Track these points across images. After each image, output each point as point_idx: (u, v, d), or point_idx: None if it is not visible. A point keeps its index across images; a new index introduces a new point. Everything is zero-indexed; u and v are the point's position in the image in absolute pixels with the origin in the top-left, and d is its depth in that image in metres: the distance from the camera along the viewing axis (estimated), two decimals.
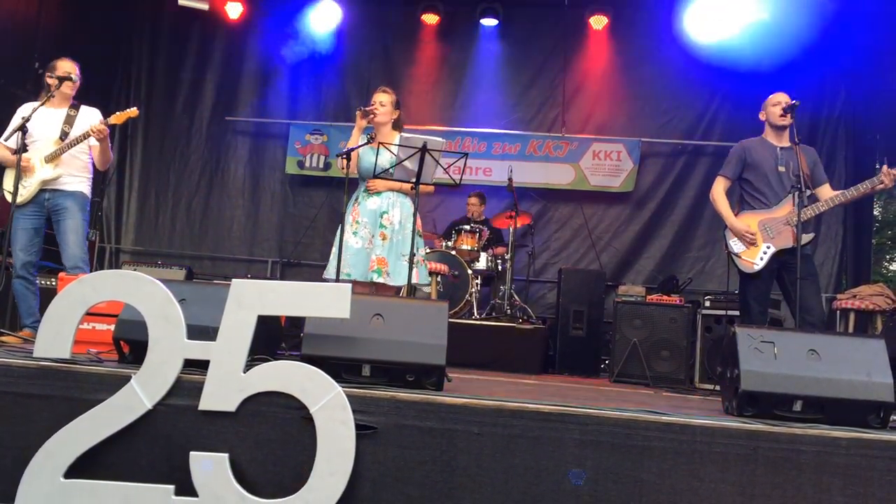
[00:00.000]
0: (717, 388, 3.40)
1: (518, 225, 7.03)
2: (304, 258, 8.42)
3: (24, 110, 4.51)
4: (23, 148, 4.45)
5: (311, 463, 2.41)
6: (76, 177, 4.54)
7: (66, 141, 4.45)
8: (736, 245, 4.39)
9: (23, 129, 4.27)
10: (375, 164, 4.25)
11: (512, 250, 6.88)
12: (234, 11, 8.32)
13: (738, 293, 4.58)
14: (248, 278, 3.65)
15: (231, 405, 2.49)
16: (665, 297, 5.89)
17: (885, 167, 4.19)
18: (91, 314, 2.97)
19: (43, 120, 4.50)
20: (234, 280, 2.64)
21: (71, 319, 2.64)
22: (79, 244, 4.44)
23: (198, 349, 2.55)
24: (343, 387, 2.48)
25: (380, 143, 4.33)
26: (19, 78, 6.95)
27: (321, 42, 8.51)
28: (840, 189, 4.43)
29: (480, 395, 2.62)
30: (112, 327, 2.91)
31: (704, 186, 7.46)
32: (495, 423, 2.49)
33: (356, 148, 4.40)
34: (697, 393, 4.87)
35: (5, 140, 4.52)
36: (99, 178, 4.78)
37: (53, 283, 5.10)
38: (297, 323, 4.38)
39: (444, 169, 4.27)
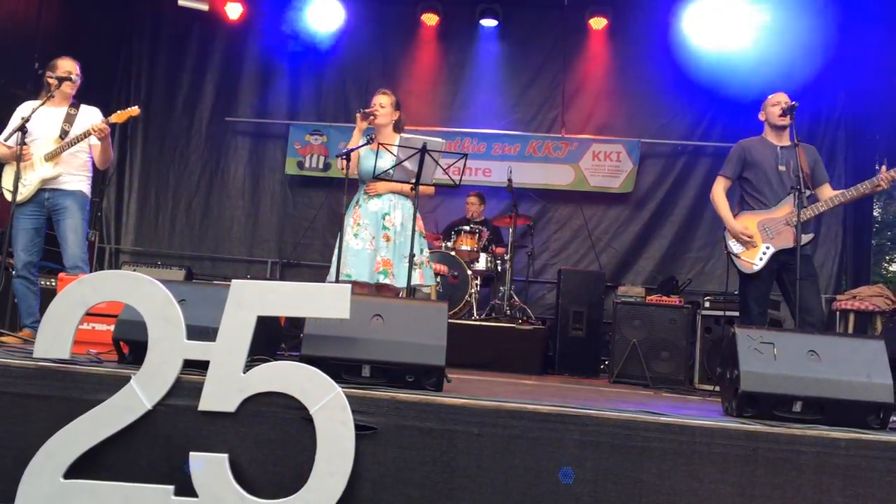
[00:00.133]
0: (717, 388, 3.40)
1: (517, 225, 7.03)
2: (303, 259, 8.41)
3: (23, 109, 4.51)
4: (22, 147, 4.45)
5: (311, 463, 2.41)
6: (76, 176, 4.54)
7: (66, 139, 4.44)
8: (735, 245, 4.39)
9: (22, 129, 4.26)
10: (375, 167, 4.25)
11: (511, 251, 6.88)
12: (233, 12, 8.33)
13: (738, 294, 4.58)
14: (247, 279, 3.66)
15: (231, 406, 2.49)
16: (665, 298, 5.89)
17: (883, 169, 4.19)
18: (91, 314, 2.97)
19: (43, 119, 4.49)
20: (233, 281, 2.64)
21: (71, 320, 2.64)
22: (78, 244, 4.44)
23: (197, 350, 2.55)
24: (343, 387, 2.49)
25: (379, 143, 4.33)
26: (19, 78, 6.94)
27: (321, 42, 8.51)
28: (840, 189, 4.43)
29: (480, 396, 2.63)
30: (112, 328, 2.91)
31: (704, 187, 7.47)
32: (495, 424, 2.49)
33: (356, 149, 4.40)
34: (697, 394, 4.87)
35: (5, 139, 4.51)
36: (99, 178, 4.78)
37: (53, 284, 5.10)
38: (296, 323, 4.38)
39: (444, 170, 4.27)
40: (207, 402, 2.49)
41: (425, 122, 8.11)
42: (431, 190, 4.56)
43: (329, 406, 2.45)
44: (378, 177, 4.29)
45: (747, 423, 2.53)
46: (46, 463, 2.42)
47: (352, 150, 4.35)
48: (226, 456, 2.44)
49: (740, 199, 4.55)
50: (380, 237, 4.38)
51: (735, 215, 4.46)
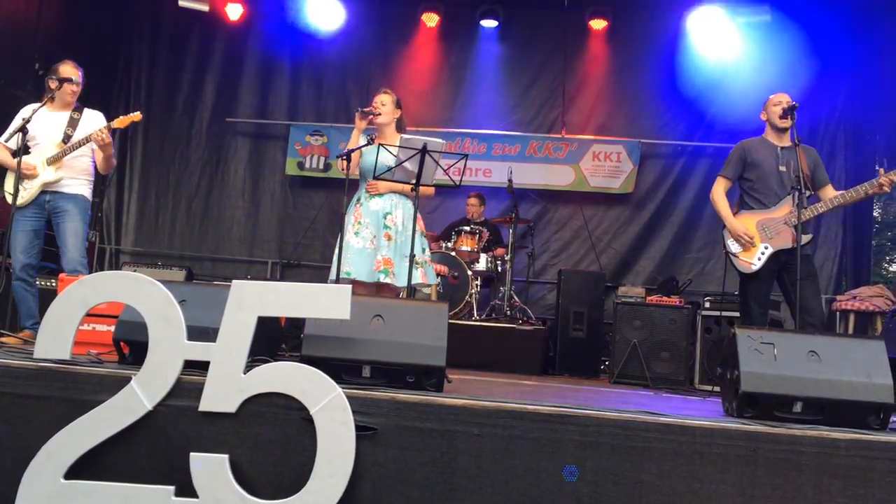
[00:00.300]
0: (716, 389, 3.40)
1: (518, 226, 7.03)
2: (303, 259, 8.42)
3: (25, 112, 4.51)
4: (24, 150, 4.44)
5: (312, 464, 2.41)
6: (77, 179, 4.53)
7: (69, 144, 4.44)
8: (734, 245, 4.39)
9: (22, 130, 4.26)
10: (376, 164, 4.25)
11: (512, 251, 6.88)
12: (234, 13, 8.33)
13: (738, 294, 4.58)
14: (248, 279, 3.66)
15: (231, 406, 2.49)
16: (665, 299, 5.89)
17: (882, 171, 4.19)
18: (91, 315, 2.97)
19: (46, 122, 4.49)
20: (234, 281, 2.64)
21: (71, 320, 2.64)
22: (78, 247, 4.43)
23: (198, 350, 2.55)
24: (343, 388, 2.49)
25: (380, 144, 4.33)
26: (19, 79, 6.95)
27: (321, 43, 8.52)
28: (840, 191, 4.43)
29: (480, 397, 2.63)
30: (112, 328, 2.91)
31: (704, 188, 7.46)
32: (495, 425, 2.49)
33: (356, 149, 4.40)
34: (697, 394, 4.87)
35: (5, 141, 4.51)
36: (99, 178, 4.77)
37: (53, 285, 5.09)
38: (296, 324, 4.38)
39: (444, 170, 4.27)
40: (208, 403, 2.49)
41: (426, 122, 8.11)
42: (431, 191, 4.56)
43: (329, 407, 2.45)
44: (379, 176, 4.29)
45: (747, 424, 2.53)
46: (47, 463, 2.42)
47: (352, 150, 4.35)
48: (226, 457, 2.44)
49: (740, 199, 4.55)
50: (381, 236, 4.38)
51: (735, 215, 4.46)
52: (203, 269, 8.47)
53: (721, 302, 5.51)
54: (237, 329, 2.56)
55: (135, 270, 6.46)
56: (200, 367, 2.54)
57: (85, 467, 2.45)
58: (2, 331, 4.08)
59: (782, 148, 4.44)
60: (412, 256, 4.23)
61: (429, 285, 4.72)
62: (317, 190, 8.57)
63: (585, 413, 2.50)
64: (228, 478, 2.42)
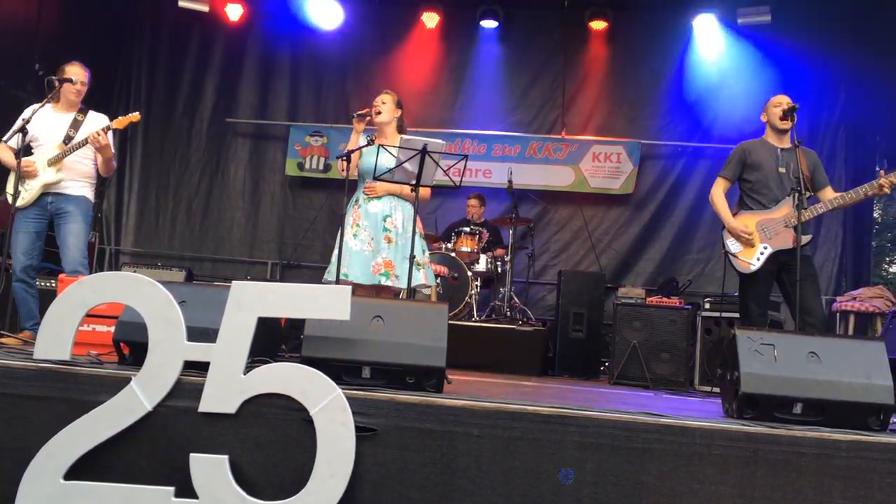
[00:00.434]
0: (717, 390, 3.40)
1: (518, 227, 7.03)
2: (303, 260, 8.42)
3: (26, 112, 4.50)
4: (27, 150, 4.44)
5: (312, 465, 2.40)
6: (79, 181, 4.52)
7: (69, 145, 4.43)
8: (733, 245, 4.40)
9: (23, 130, 4.26)
10: (376, 164, 4.24)
11: (512, 252, 6.88)
12: (234, 13, 8.34)
13: (738, 295, 4.58)
14: (247, 280, 3.66)
15: (231, 407, 2.49)
16: (665, 300, 5.89)
17: (882, 173, 4.19)
18: (91, 316, 2.97)
19: (49, 123, 4.48)
20: (234, 282, 2.64)
21: (71, 321, 2.64)
22: (79, 249, 4.42)
23: (198, 351, 2.55)
24: (343, 389, 2.48)
25: (380, 144, 4.33)
26: (20, 79, 6.95)
27: (321, 44, 8.52)
28: (840, 192, 4.43)
29: (480, 397, 2.63)
30: (112, 329, 2.91)
31: (704, 188, 7.46)
32: (495, 425, 2.49)
33: (356, 150, 4.40)
34: (697, 395, 4.87)
35: (7, 141, 4.50)
36: (99, 180, 4.76)
37: (53, 285, 5.09)
38: (296, 325, 4.38)
39: (444, 171, 4.27)
40: (208, 404, 2.49)
41: (426, 123, 8.12)
42: (428, 193, 4.55)
43: (329, 407, 2.44)
44: (378, 177, 4.28)
45: (748, 425, 2.53)
46: (47, 464, 2.42)
47: (352, 151, 4.35)
48: (226, 457, 2.44)
49: (740, 200, 4.56)
50: (380, 239, 4.38)
51: (734, 215, 4.46)
52: (203, 269, 8.47)
53: (721, 303, 5.51)
54: (237, 330, 2.56)
55: (134, 271, 6.46)
56: (200, 367, 2.54)
57: (85, 468, 2.45)
58: (2, 332, 4.07)
59: (782, 149, 4.44)
60: (412, 258, 4.23)
61: (429, 286, 4.72)
62: (317, 191, 8.57)
63: (585, 414, 2.50)
64: (228, 478, 2.42)
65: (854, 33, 7.68)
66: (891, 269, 15.60)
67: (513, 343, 5.95)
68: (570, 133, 8.22)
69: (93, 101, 4.78)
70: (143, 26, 8.90)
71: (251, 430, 2.50)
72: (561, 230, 8.32)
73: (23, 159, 4.35)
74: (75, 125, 4.52)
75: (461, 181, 4.33)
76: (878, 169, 4.20)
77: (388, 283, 4.28)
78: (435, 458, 2.47)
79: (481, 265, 6.93)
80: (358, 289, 4.23)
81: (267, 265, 8.53)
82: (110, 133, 4.50)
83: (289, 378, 2.51)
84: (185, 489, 2.41)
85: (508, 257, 6.87)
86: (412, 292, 4.28)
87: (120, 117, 4.49)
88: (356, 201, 4.54)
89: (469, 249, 6.86)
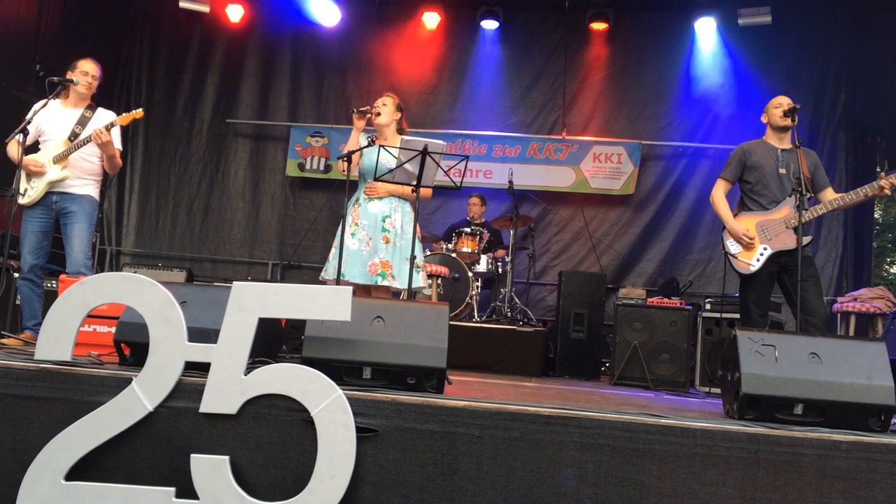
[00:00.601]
0: (716, 390, 3.40)
1: (518, 227, 7.03)
2: (304, 260, 8.43)
3: (33, 111, 4.47)
4: (34, 146, 4.43)
5: (312, 465, 2.41)
6: (84, 179, 4.49)
7: (74, 143, 4.41)
8: (733, 246, 4.39)
9: (24, 131, 4.24)
10: (377, 165, 4.25)
11: (512, 253, 6.88)
12: (234, 14, 8.34)
13: (739, 296, 4.58)
14: (248, 281, 3.66)
15: (232, 408, 2.49)
16: (665, 300, 5.89)
17: (882, 174, 4.19)
18: (92, 316, 2.97)
19: (57, 119, 4.46)
20: (234, 282, 2.64)
21: (72, 322, 2.64)
22: (83, 249, 4.41)
23: (199, 351, 2.55)
24: (344, 389, 2.49)
25: (381, 145, 4.33)
26: (20, 80, 6.96)
27: (321, 44, 8.53)
28: (841, 193, 4.43)
29: (481, 398, 2.63)
30: (113, 329, 2.92)
31: (705, 189, 7.47)
32: (496, 426, 2.49)
33: (357, 150, 4.40)
34: (698, 396, 4.87)
35: (16, 137, 4.46)
36: (104, 176, 4.73)
37: (54, 286, 5.09)
38: (297, 325, 4.38)
39: (445, 171, 4.27)
40: (208, 405, 2.49)
41: (426, 123, 8.13)
42: (429, 193, 4.55)
43: (330, 408, 2.45)
44: (379, 178, 4.29)
45: (749, 426, 2.53)
46: (48, 465, 2.42)
47: (353, 152, 4.35)
48: (227, 458, 2.45)
49: (740, 201, 4.55)
50: (378, 239, 4.38)
51: (734, 216, 4.46)
52: (203, 270, 8.48)
53: (721, 304, 5.51)
54: (238, 330, 2.56)
55: (135, 272, 6.46)
56: (201, 368, 2.54)
57: (86, 468, 2.45)
58: (3, 332, 4.07)
59: (782, 150, 4.44)
60: (413, 258, 4.23)
61: (427, 288, 4.73)
62: (317, 191, 8.58)
63: (586, 415, 2.50)
64: (229, 479, 2.42)
65: (854, 34, 7.69)
66: (891, 270, 15.59)
67: (513, 344, 5.95)
68: (571, 133, 8.23)
69: (93, 101, 4.76)
70: (143, 27, 8.91)
71: (252, 430, 2.50)
72: (561, 231, 8.32)
73: (32, 159, 4.34)
74: (82, 121, 4.50)
75: (462, 182, 4.33)
76: (878, 170, 4.18)
77: (386, 283, 4.28)
78: (436, 459, 2.47)
79: (482, 266, 6.93)
80: (354, 288, 4.23)
81: (267, 266, 8.54)
82: (116, 130, 4.48)
83: (290, 379, 2.51)
84: (186, 490, 2.41)
85: (509, 258, 6.87)
86: (413, 294, 4.29)
87: (124, 114, 4.47)
88: (356, 200, 4.54)
89: (470, 250, 6.86)
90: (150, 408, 2.49)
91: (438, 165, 4.22)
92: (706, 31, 7.87)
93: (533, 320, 6.88)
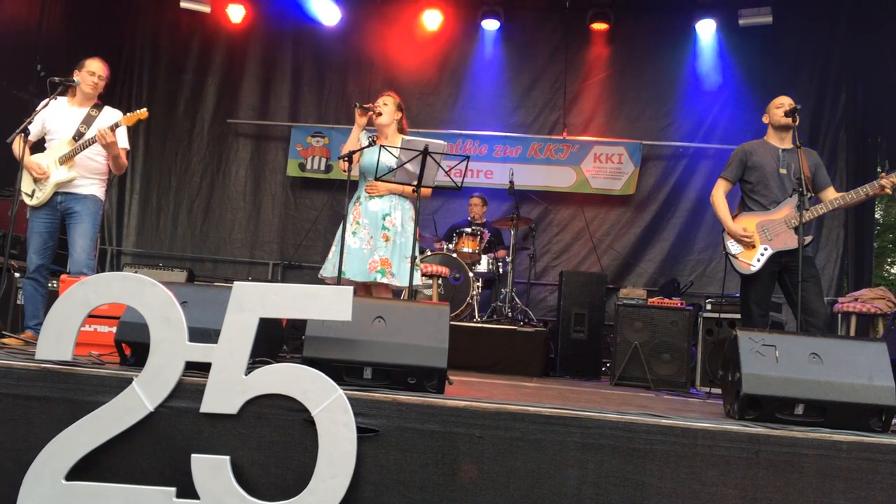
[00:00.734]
0: (717, 390, 3.40)
1: (519, 227, 7.03)
2: (305, 260, 8.42)
3: (38, 108, 4.46)
4: (41, 144, 4.45)
5: (313, 465, 2.41)
6: (89, 179, 4.48)
7: (79, 143, 4.40)
8: (733, 246, 4.40)
9: (25, 130, 4.24)
10: (378, 164, 4.25)
11: (513, 253, 6.88)
12: (235, 15, 8.35)
13: (739, 296, 4.58)
14: (249, 281, 3.66)
15: (233, 408, 2.49)
16: (666, 300, 5.89)
17: (882, 175, 4.19)
18: (93, 316, 2.97)
19: (63, 118, 4.45)
20: (235, 282, 2.64)
21: (73, 322, 2.64)
22: (86, 250, 4.40)
23: (199, 351, 2.55)
24: (344, 389, 2.49)
25: (381, 145, 4.33)
26: (21, 80, 6.96)
27: (322, 44, 8.53)
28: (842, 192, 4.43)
29: (481, 398, 2.63)
30: (114, 329, 2.91)
31: (706, 189, 7.47)
32: (496, 426, 2.49)
33: (357, 150, 4.40)
34: (698, 396, 4.87)
35: (28, 136, 4.44)
36: (110, 175, 4.72)
37: (55, 286, 5.09)
38: (297, 325, 4.38)
39: (446, 172, 4.27)
40: (209, 404, 2.49)
41: (427, 123, 8.13)
42: (428, 192, 4.56)
43: (331, 408, 2.45)
44: (380, 178, 4.29)
45: (749, 426, 2.53)
46: (48, 465, 2.42)
47: (353, 152, 4.36)
48: (228, 458, 2.45)
49: (741, 201, 4.55)
50: (378, 237, 4.38)
51: (735, 216, 4.46)
52: (204, 270, 8.48)
53: (722, 304, 5.51)
54: (238, 330, 2.56)
55: (136, 272, 6.45)
56: (202, 368, 2.54)
57: (86, 468, 2.45)
58: (4, 332, 4.07)
59: (783, 150, 4.44)
60: (413, 258, 4.23)
61: (428, 286, 4.73)
62: (318, 191, 8.58)
63: (587, 415, 2.49)
64: (230, 479, 2.42)
65: (855, 34, 7.69)
66: (892, 270, 15.59)
67: (514, 344, 5.95)
68: (572, 134, 8.23)
69: (100, 99, 4.75)
70: (144, 27, 8.91)
71: (253, 430, 2.50)
72: (562, 231, 8.32)
73: (35, 163, 4.33)
74: (87, 121, 4.48)
75: (462, 182, 4.33)
76: (878, 170, 4.17)
77: (384, 280, 4.28)
78: (436, 459, 2.47)
79: (483, 266, 6.93)
80: (355, 287, 4.23)
81: (268, 266, 8.54)
82: (122, 130, 4.46)
83: (290, 379, 2.51)
84: (187, 490, 2.41)
85: (510, 258, 6.87)
86: (414, 293, 4.29)
87: (128, 114, 4.46)
88: (357, 199, 4.55)
89: (470, 250, 6.86)
90: (151, 408, 2.49)
91: (439, 165, 4.23)
92: (707, 31, 7.88)
93: (534, 320, 6.88)
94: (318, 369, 2.52)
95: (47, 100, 4.37)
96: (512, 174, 7.25)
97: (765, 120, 4.57)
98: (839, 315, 6.13)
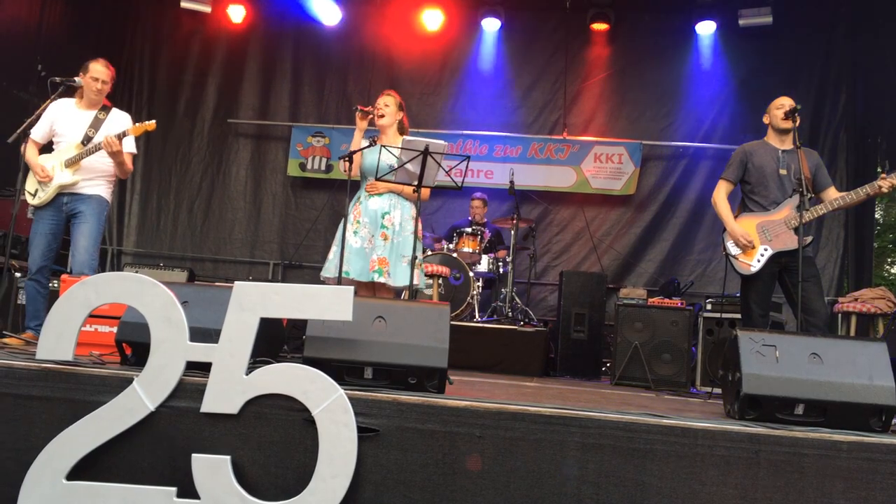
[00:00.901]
0: (717, 390, 3.40)
1: (519, 227, 7.04)
2: (305, 260, 8.43)
3: (52, 107, 4.44)
4: (49, 146, 4.44)
5: (314, 465, 2.41)
6: (94, 179, 4.47)
7: (86, 148, 4.38)
8: (733, 247, 4.40)
9: (26, 133, 4.24)
10: (378, 164, 4.25)
11: (513, 253, 6.88)
12: (236, 15, 8.35)
13: (740, 296, 4.58)
14: (249, 280, 3.66)
15: (233, 407, 2.49)
16: (666, 300, 5.89)
17: (882, 175, 4.19)
18: (94, 316, 2.97)
19: (71, 120, 4.44)
20: (236, 282, 2.64)
21: (74, 321, 2.65)
22: (88, 251, 4.39)
23: (200, 351, 2.55)
24: (345, 389, 2.49)
25: (382, 146, 4.33)
26: (21, 80, 6.96)
27: (322, 45, 8.53)
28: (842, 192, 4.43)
29: (482, 398, 2.63)
30: (114, 329, 2.92)
31: (706, 189, 7.49)
32: (497, 426, 2.49)
33: (358, 150, 4.41)
34: (698, 396, 4.87)
35: (35, 136, 4.43)
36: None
37: (56, 285, 5.09)
38: (298, 325, 4.38)
39: (446, 172, 4.27)
40: (210, 404, 2.49)
41: (427, 123, 8.14)
42: (427, 192, 4.55)
43: (331, 408, 2.45)
44: (380, 178, 4.29)
45: (749, 426, 2.53)
46: (49, 464, 2.43)
47: (354, 151, 4.36)
48: (228, 458, 2.45)
49: (741, 202, 4.56)
50: (377, 236, 4.38)
51: (735, 217, 4.46)
52: (205, 270, 8.48)
53: (722, 304, 5.51)
54: (239, 330, 2.56)
55: (136, 272, 6.45)
56: (202, 368, 2.54)
57: (87, 468, 2.45)
58: (4, 332, 4.07)
59: (784, 151, 4.44)
60: (414, 258, 4.23)
61: (429, 287, 4.73)
62: (318, 191, 8.59)
63: (587, 415, 2.50)
64: (230, 479, 2.42)
65: (855, 35, 7.68)
66: (892, 270, 15.58)
67: (514, 344, 5.95)
68: (572, 134, 8.23)
69: (108, 101, 4.74)
70: (145, 27, 8.92)
71: (253, 430, 2.50)
72: (562, 231, 8.32)
73: (39, 166, 4.33)
74: (95, 124, 4.47)
75: (463, 182, 4.33)
76: (878, 170, 4.17)
77: (382, 279, 4.28)
78: (437, 459, 2.47)
79: (483, 266, 6.94)
80: (356, 286, 4.24)
81: (269, 265, 8.54)
82: (130, 138, 4.46)
83: (291, 378, 2.51)
84: (187, 490, 2.41)
85: (510, 258, 6.87)
86: (415, 293, 4.29)
87: (136, 124, 4.43)
88: (358, 198, 4.55)
89: (471, 250, 6.86)
90: (152, 407, 2.50)
91: (440, 165, 4.23)
92: (707, 32, 7.88)
93: (534, 320, 6.88)
94: (318, 369, 2.53)
95: (49, 101, 4.37)
96: (512, 174, 7.25)
97: (765, 120, 4.57)
98: (839, 315, 6.12)
